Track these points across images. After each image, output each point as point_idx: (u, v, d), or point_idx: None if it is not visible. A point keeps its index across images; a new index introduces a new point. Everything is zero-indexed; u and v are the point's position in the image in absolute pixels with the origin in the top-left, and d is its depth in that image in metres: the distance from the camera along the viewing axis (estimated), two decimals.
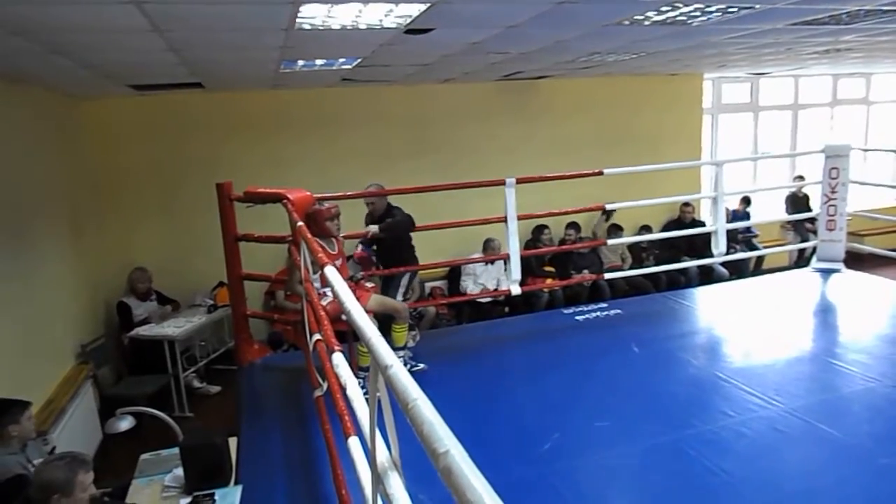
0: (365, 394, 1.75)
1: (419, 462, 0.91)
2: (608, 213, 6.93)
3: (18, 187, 4.20)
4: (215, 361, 5.81)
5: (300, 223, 3.25)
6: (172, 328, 5.27)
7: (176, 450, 3.05)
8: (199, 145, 6.09)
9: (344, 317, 1.70)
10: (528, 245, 6.70)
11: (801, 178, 7.88)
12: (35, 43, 2.94)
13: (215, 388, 5.59)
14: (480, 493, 0.75)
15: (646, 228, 7.37)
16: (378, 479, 1.41)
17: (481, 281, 6.52)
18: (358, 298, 4.03)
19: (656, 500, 2.88)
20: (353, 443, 1.99)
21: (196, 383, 5.47)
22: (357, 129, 6.55)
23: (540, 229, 6.85)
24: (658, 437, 3.30)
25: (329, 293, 3.53)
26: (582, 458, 3.17)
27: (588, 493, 2.92)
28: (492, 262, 6.37)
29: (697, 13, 3.37)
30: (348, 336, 4.05)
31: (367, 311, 3.91)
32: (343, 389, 1.92)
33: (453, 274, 6.77)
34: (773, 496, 2.82)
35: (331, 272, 2.10)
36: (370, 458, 1.48)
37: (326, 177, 5.91)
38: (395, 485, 1.33)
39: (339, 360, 2.01)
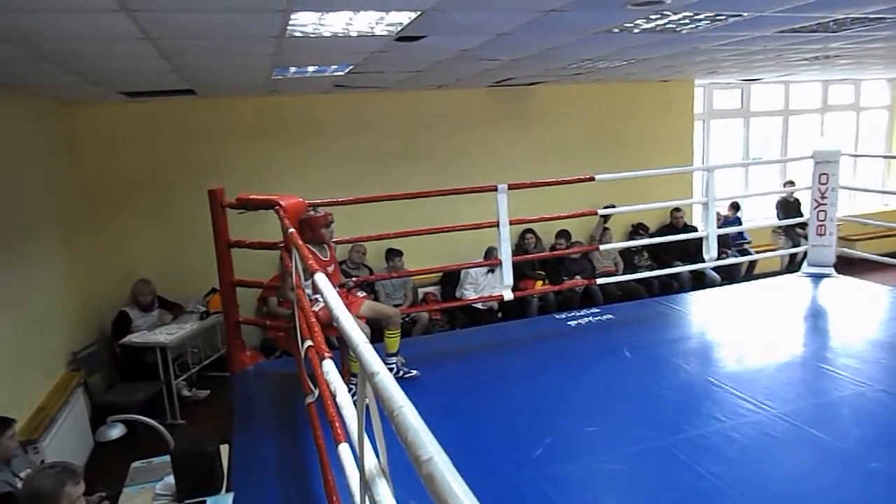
0: (354, 401, 1.75)
1: (411, 467, 0.91)
2: (606, 218, 6.97)
3: (10, 194, 4.19)
4: (208, 368, 5.80)
5: (291, 229, 3.25)
6: (164, 335, 5.26)
7: (167, 457, 3.04)
8: (192, 151, 6.09)
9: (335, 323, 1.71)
10: (515, 250, 6.70)
11: (791, 183, 7.93)
12: (25, 50, 2.94)
13: (204, 392, 5.58)
14: (462, 501, 0.75)
15: (641, 227, 7.41)
16: (366, 486, 1.41)
17: (481, 290, 6.51)
18: (349, 305, 4.05)
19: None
20: (344, 449, 1.99)
21: (185, 391, 5.45)
22: (350, 135, 6.57)
23: (523, 234, 6.86)
24: (649, 442, 3.30)
25: (320, 299, 3.53)
26: (573, 462, 3.17)
27: (579, 498, 2.92)
28: (492, 270, 6.36)
29: (686, 21, 3.41)
30: (340, 342, 4.05)
31: (360, 318, 3.94)
32: (333, 396, 1.92)
33: (447, 279, 6.77)
34: (763, 500, 2.83)
35: (320, 279, 2.10)
36: (359, 465, 1.48)
37: (319, 183, 5.93)
38: (383, 492, 1.33)
39: (328, 367, 2.01)
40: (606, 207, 6.97)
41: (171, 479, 2.96)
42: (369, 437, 1.46)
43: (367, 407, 1.37)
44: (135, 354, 5.23)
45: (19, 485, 2.67)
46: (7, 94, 4.20)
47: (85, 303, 5.37)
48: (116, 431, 3.50)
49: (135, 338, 5.28)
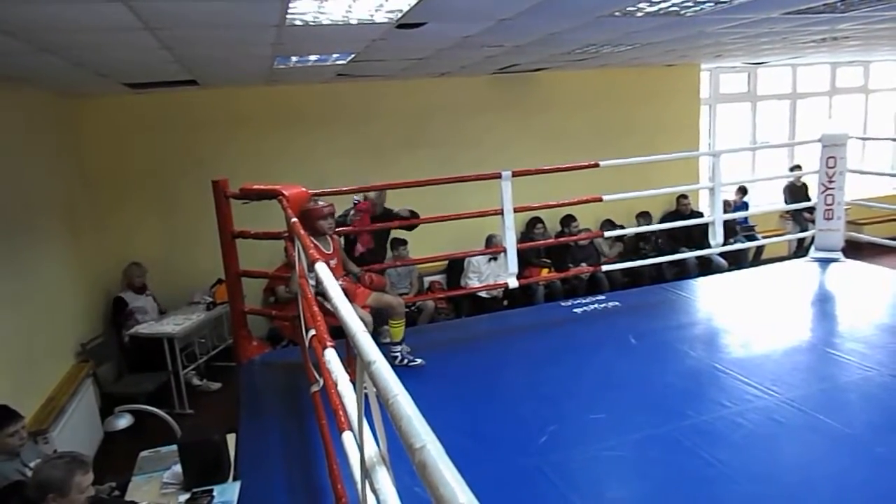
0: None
1: None
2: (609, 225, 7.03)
3: (14, 187, 4.21)
4: (215, 358, 5.83)
5: (294, 219, 3.25)
6: (172, 326, 5.29)
7: (175, 447, 3.07)
8: (197, 142, 6.10)
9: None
10: (521, 239, 6.68)
11: (798, 167, 7.86)
12: (24, 41, 2.93)
13: (215, 385, 5.61)
14: (454, 489, 0.75)
15: (644, 215, 7.37)
16: (367, 474, 1.42)
17: (485, 278, 6.49)
18: (356, 295, 4.04)
19: (652, 490, 2.89)
20: (347, 437, 1.99)
21: (196, 381, 5.49)
22: (354, 124, 6.55)
23: (533, 223, 6.84)
24: (654, 428, 3.30)
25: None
26: (578, 449, 3.18)
27: (584, 485, 2.93)
28: (495, 258, 6.35)
29: (690, 3, 3.36)
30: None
31: (365, 307, 3.95)
32: (335, 385, 1.93)
33: (452, 268, 6.77)
34: (769, 486, 2.82)
35: (321, 269, 2.10)
36: (360, 453, 1.48)
37: (323, 172, 5.92)
38: (383, 479, 1.34)
39: (330, 356, 2.01)
40: (606, 222, 7.13)
41: (178, 468, 2.99)
42: (371, 425, 1.47)
43: (367, 395, 1.38)
44: (142, 345, 5.26)
45: (30, 474, 2.70)
46: (10, 87, 4.20)
47: (92, 294, 5.41)
48: (124, 421, 3.55)
49: (142, 329, 5.31)
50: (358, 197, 4.81)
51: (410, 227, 5.13)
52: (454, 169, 5.69)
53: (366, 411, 1.42)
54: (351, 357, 3.68)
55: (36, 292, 4.36)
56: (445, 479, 0.77)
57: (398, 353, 4.15)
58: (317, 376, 3.13)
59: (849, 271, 5.96)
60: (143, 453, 3.30)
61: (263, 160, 6.19)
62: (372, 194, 4.90)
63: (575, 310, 5.33)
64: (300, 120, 6.40)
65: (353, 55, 4.38)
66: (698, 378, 3.95)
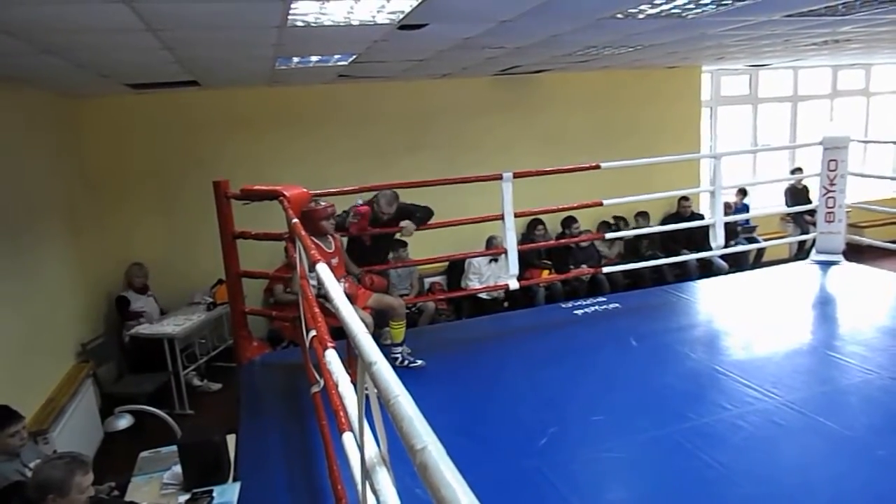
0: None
1: None
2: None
3: (16, 187, 4.21)
4: (215, 359, 5.83)
5: (295, 220, 3.25)
6: (172, 326, 5.29)
7: (175, 447, 3.07)
8: (198, 143, 6.10)
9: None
10: (522, 240, 6.67)
11: (799, 170, 7.85)
12: (26, 42, 2.94)
13: (216, 386, 5.61)
14: (455, 490, 0.75)
15: (643, 215, 7.36)
16: (367, 474, 1.41)
17: (485, 280, 6.49)
18: (357, 296, 4.04)
19: (652, 493, 2.89)
20: (347, 438, 1.99)
21: (196, 381, 5.49)
22: (355, 125, 6.55)
23: (534, 225, 6.84)
24: (655, 431, 3.30)
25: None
26: (578, 451, 3.18)
27: (584, 487, 2.93)
28: (496, 260, 6.34)
29: (692, 5, 3.36)
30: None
31: (366, 308, 3.95)
32: (336, 386, 1.93)
33: (452, 269, 6.77)
34: (769, 489, 2.82)
35: (322, 269, 2.10)
36: (360, 454, 1.48)
37: (325, 173, 5.91)
38: (383, 480, 1.34)
39: (331, 357, 2.02)
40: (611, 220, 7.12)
41: (178, 469, 2.99)
42: (372, 426, 1.47)
43: (368, 396, 1.38)
44: (143, 345, 5.26)
45: (30, 475, 2.70)
46: (10, 87, 4.21)
47: (92, 295, 5.41)
48: (124, 422, 3.53)
49: (142, 329, 5.31)
50: (360, 199, 4.79)
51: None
52: (455, 170, 5.70)
53: (366, 412, 1.42)
54: (352, 358, 3.68)
55: (36, 292, 4.36)
56: (447, 480, 0.77)
57: (399, 355, 4.15)
58: (317, 377, 3.13)
59: (849, 274, 5.96)
60: (143, 454, 3.30)
61: (264, 161, 6.20)
62: (383, 202, 4.63)
63: (576, 311, 5.34)
64: (301, 121, 6.40)
65: (354, 56, 4.39)
66: (699, 380, 3.95)
